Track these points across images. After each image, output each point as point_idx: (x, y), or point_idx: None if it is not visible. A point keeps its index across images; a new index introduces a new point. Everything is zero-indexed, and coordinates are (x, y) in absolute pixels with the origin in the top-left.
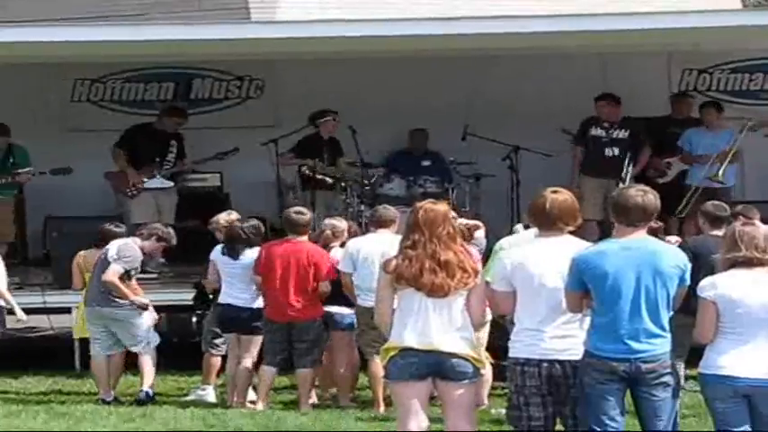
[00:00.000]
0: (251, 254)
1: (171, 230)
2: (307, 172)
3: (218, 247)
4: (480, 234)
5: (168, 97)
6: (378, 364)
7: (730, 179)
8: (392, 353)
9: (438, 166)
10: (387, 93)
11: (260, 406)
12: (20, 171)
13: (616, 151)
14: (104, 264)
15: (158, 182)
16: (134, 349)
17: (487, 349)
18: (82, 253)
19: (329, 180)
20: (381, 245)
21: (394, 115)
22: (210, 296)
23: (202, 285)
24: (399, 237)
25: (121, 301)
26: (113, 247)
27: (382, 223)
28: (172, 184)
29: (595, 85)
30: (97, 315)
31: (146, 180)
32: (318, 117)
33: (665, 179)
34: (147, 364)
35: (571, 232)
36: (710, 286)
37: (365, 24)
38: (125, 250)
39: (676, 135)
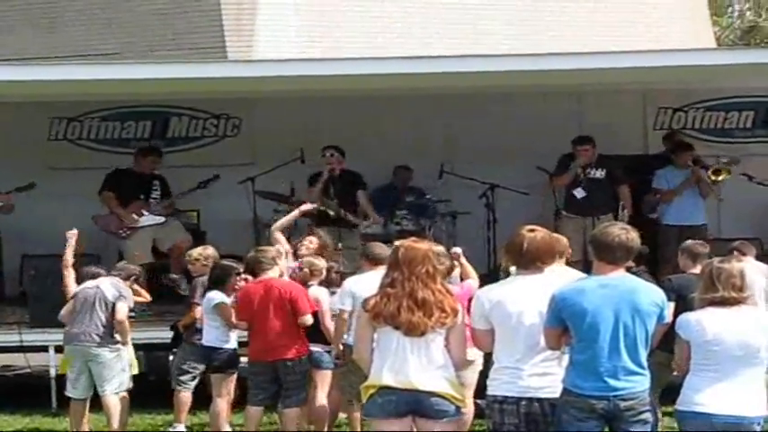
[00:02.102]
0: (211, 294)
1: (132, 266)
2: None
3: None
4: (456, 273)
5: (145, 136)
6: (356, 408)
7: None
8: (371, 391)
9: (420, 203)
10: (363, 130)
11: None
12: None
13: (593, 190)
14: (102, 304)
15: (150, 218)
16: (105, 390)
17: (478, 390)
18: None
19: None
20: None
21: (370, 152)
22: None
23: (176, 327)
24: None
25: (111, 345)
26: (108, 287)
27: (377, 261)
28: (163, 219)
29: (572, 122)
30: (82, 354)
31: (136, 218)
32: (321, 154)
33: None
34: (116, 407)
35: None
36: (685, 324)
37: (341, 63)
38: (123, 288)
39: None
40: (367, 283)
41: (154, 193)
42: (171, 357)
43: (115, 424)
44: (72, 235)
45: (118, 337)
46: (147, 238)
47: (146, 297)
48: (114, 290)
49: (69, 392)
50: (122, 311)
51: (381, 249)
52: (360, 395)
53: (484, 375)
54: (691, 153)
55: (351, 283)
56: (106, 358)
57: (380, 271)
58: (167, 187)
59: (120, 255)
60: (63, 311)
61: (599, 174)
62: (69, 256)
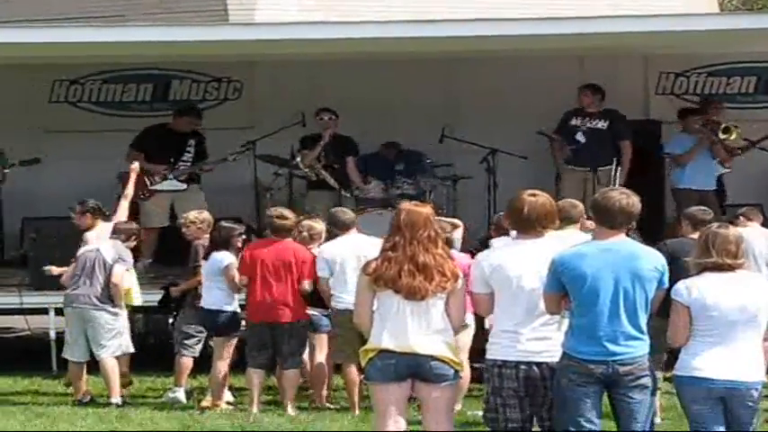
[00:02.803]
0: (218, 255)
1: (134, 224)
2: (305, 170)
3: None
4: (458, 234)
5: (146, 99)
6: (352, 369)
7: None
8: (370, 354)
9: (413, 167)
10: (365, 94)
11: (254, 409)
12: None
13: (593, 140)
14: (101, 266)
15: (169, 184)
16: (102, 353)
17: (472, 353)
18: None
19: (331, 181)
20: (354, 248)
21: (372, 116)
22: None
23: (168, 289)
24: (368, 237)
25: (110, 307)
26: (108, 249)
27: (344, 227)
28: (184, 186)
29: (573, 87)
30: (80, 317)
31: (158, 180)
32: (316, 115)
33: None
34: (113, 371)
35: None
36: (685, 290)
37: (343, 26)
38: (122, 250)
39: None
40: (339, 247)
41: (186, 155)
42: (170, 321)
43: (112, 388)
44: (133, 169)
45: (115, 300)
46: (165, 202)
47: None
48: (114, 252)
49: (67, 355)
50: (118, 274)
51: (345, 215)
52: (350, 357)
53: (483, 339)
54: (698, 117)
55: (324, 250)
56: (104, 321)
57: (351, 235)
58: (203, 146)
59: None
60: (64, 274)
61: (601, 124)
62: (130, 190)
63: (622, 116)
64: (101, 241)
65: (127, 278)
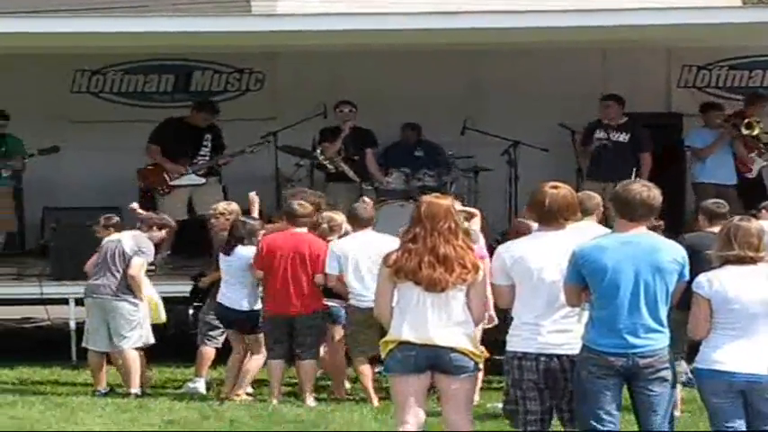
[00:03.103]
0: (245, 251)
1: (164, 215)
2: (324, 162)
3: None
4: (475, 224)
5: (168, 89)
6: (364, 363)
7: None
8: (391, 346)
9: (432, 158)
10: (386, 86)
11: (274, 401)
12: (9, 163)
13: (615, 154)
14: (121, 257)
15: (188, 179)
16: (123, 344)
17: (481, 344)
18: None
19: (351, 173)
20: (368, 246)
21: (394, 108)
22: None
23: (198, 279)
24: (382, 236)
25: (131, 297)
26: (128, 240)
27: (363, 222)
28: (203, 180)
29: (595, 80)
30: (101, 307)
31: (176, 176)
32: (335, 107)
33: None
34: (134, 362)
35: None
36: (706, 283)
37: (365, 18)
38: (142, 242)
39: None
40: (352, 245)
41: (204, 149)
42: (191, 311)
43: (132, 379)
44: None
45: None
46: (183, 196)
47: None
48: (134, 243)
49: (88, 344)
50: (135, 266)
51: (365, 212)
52: (362, 353)
53: (502, 331)
54: (720, 112)
55: (335, 247)
56: (125, 312)
57: (366, 232)
58: (220, 140)
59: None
60: (87, 263)
61: (622, 137)
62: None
63: (643, 127)
64: (122, 233)
65: (151, 290)
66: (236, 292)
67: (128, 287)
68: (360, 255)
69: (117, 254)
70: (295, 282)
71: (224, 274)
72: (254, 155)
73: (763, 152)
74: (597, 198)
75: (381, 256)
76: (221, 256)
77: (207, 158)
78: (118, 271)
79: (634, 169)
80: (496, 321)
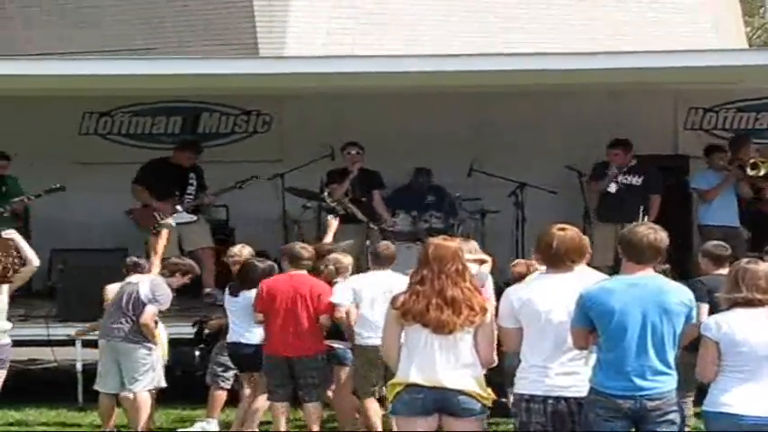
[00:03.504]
0: (250, 293)
1: (190, 261)
2: (332, 204)
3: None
4: (485, 269)
5: (176, 131)
6: (372, 402)
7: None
8: (398, 388)
9: (441, 202)
10: (393, 127)
11: None
12: (14, 200)
13: (627, 196)
14: (136, 303)
15: (183, 216)
16: (134, 387)
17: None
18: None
19: (359, 215)
20: (383, 285)
21: (401, 150)
22: (208, 332)
23: (202, 324)
24: (399, 275)
25: (144, 341)
26: (144, 286)
27: (383, 261)
28: (195, 218)
29: (602, 121)
30: (114, 350)
31: (167, 217)
32: (342, 149)
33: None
34: (145, 404)
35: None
36: (714, 325)
37: (371, 60)
38: (158, 289)
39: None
40: (369, 281)
41: (189, 188)
42: (197, 353)
43: (142, 422)
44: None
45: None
46: (173, 235)
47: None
48: (149, 291)
49: (99, 386)
50: (147, 315)
51: (387, 250)
52: (369, 393)
53: (505, 374)
54: (724, 154)
55: (352, 282)
56: (139, 355)
57: (383, 272)
58: (203, 179)
59: (146, 250)
60: (106, 303)
61: (635, 180)
62: (160, 248)
63: (656, 171)
64: (143, 276)
65: (161, 328)
66: (244, 330)
67: (139, 333)
68: (374, 292)
69: (132, 299)
70: (295, 323)
71: (230, 314)
72: (261, 194)
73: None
74: (587, 240)
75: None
76: (227, 296)
77: (193, 197)
78: (132, 316)
79: (641, 208)
80: (495, 363)
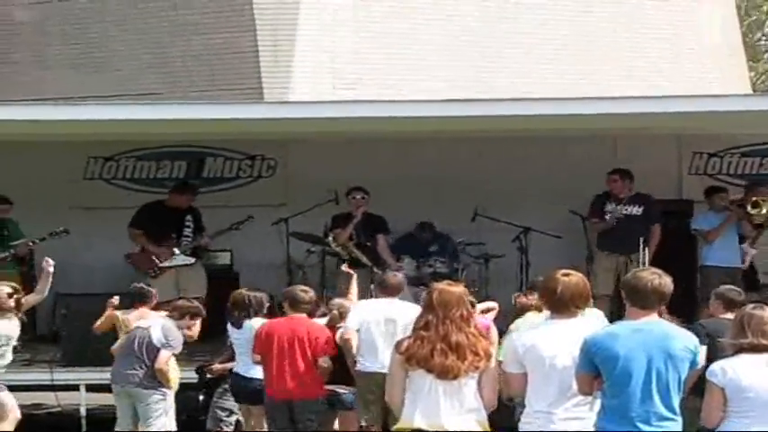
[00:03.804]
0: (254, 323)
1: (196, 303)
2: (337, 249)
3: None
4: (490, 316)
5: (180, 176)
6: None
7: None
8: None
9: (445, 248)
10: (398, 172)
11: None
12: (16, 243)
13: (627, 226)
14: (149, 348)
15: (180, 259)
16: (149, 429)
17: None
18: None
19: (363, 259)
20: (388, 311)
21: (404, 195)
22: (210, 377)
23: (204, 369)
24: (405, 303)
25: (158, 386)
26: (157, 330)
27: (390, 290)
28: (193, 260)
29: (606, 166)
30: (128, 395)
31: (166, 261)
32: (347, 194)
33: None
34: None
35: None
36: (720, 371)
37: (375, 105)
38: (170, 334)
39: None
40: (373, 308)
41: (186, 230)
42: (201, 397)
43: None
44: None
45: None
46: (172, 279)
47: (193, 333)
48: (161, 335)
49: (119, 427)
50: (162, 360)
51: (394, 277)
52: (373, 419)
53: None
54: (724, 194)
55: (360, 305)
56: (151, 401)
57: (390, 300)
58: (200, 222)
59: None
60: (115, 345)
61: (635, 210)
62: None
63: (655, 201)
64: (153, 320)
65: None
66: (248, 363)
67: (154, 377)
68: (378, 318)
69: (145, 344)
70: (292, 366)
71: (236, 347)
72: (268, 239)
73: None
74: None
75: (398, 325)
76: (231, 329)
77: (190, 239)
78: (145, 362)
79: (641, 239)
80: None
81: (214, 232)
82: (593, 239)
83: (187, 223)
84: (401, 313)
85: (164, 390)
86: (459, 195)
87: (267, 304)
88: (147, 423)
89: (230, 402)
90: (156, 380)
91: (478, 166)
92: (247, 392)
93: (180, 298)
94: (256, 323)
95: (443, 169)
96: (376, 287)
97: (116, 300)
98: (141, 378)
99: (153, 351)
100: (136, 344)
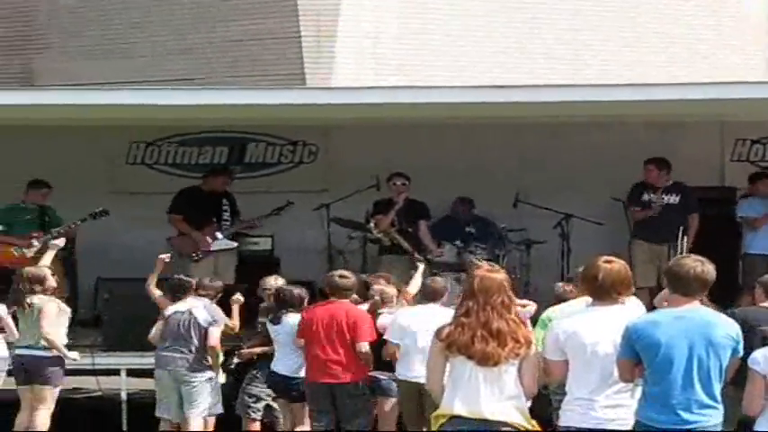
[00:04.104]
0: (291, 319)
1: (219, 283)
2: (378, 236)
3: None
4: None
5: (222, 161)
6: None
7: None
8: (442, 420)
9: (485, 233)
10: (439, 158)
11: None
12: (57, 228)
13: (666, 215)
14: (196, 329)
15: (223, 243)
16: (192, 413)
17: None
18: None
19: (405, 245)
20: (429, 321)
21: (446, 181)
22: (237, 362)
23: (232, 354)
24: (447, 310)
25: (204, 370)
26: (200, 311)
27: (428, 295)
28: (235, 244)
29: (648, 152)
30: (175, 379)
31: (209, 245)
32: (388, 180)
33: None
34: (199, 428)
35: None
36: (762, 359)
37: (418, 91)
38: (214, 311)
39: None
40: (415, 318)
41: (224, 214)
42: (222, 381)
43: None
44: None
45: (209, 361)
46: (210, 264)
47: (235, 324)
48: (207, 314)
49: (160, 414)
50: (214, 337)
51: (435, 283)
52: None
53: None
54: None
55: (399, 317)
56: (198, 383)
57: (431, 307)
58: (236, 206)
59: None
60: (153, 333)
61: (673, 199)
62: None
63: (692, 190)
64: (191, 302)
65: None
66: (288, 360)
67: (203, 359)
68: (422, 329)
69: (192, 326)
70: (332, 351)
71: (276, 343)
72: (308, 226)
73: None
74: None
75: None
76: (270, 326)
77: (230, 223)
78: (193, 343)
79: (681, 229)
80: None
81: (254, 217)
82: (633, 225)
83: (224, 207)
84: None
85: (211, 372)
86: (500, 181)
87: (306, 298)
88: (193, 405)
89: (258, 389)
90: (203, 362)
91: (520, 152)
92: (285, 390)
93: None
94: (295, 319)
95: (485, 155)
96: (421, 293)
97: (166, 257)
98: (191, 361)
99: (201, 331)
100: (181, 328)
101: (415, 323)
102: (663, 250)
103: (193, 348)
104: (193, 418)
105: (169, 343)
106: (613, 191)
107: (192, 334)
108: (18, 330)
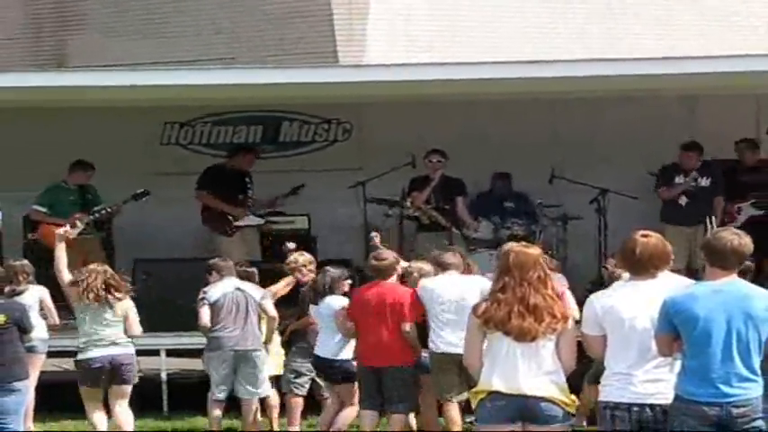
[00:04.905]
0: (332, 301)
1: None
2: (415, 213)
3: None
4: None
5: (257, 140)
6: (453, 408)
7: None
8: (481, 396)
9: (522, 208)
10: (474, 135)
11: None
12: (99, 207)
13: (698, 198)
14: (252, 306)
15: (254, 219)
16: (257, 392)
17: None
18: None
19: (442, 221)
20: (455, 288)
21: (481, 157)
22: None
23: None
24: (469, 277)
25: (262, 348)
26: (252, 289)
27: (444, 267)
28: (263, 221)
29: (683, 126)
30: (236, 358)
31: (241, 220)
32: (425, 157)
33: (734, 224)
34: (274, 400)
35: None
36: None
37: (451, 68)
38: (259, 288)
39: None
40: (440, 286)
41: (249, 192)
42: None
43: (275, 418)
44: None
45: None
46: (240, 240)
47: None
48: (258, 291)
49: (215, 395)
50: (271, 310)
51: (447, 255)
52: (451, 396)
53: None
54: None
55: (423, 289)
56: (258, 361)
57: (450, 274)
58: (253, 185)
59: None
60: (205, 318)
61: (704, 182)
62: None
63: (720, 171)
64: (233, 282)
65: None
66: (329, 341)
67: (257, 336)
68: (449, 297)
69: (249, 304)
70: (380, 333)
71: (318, 326)
72: (342, 204)
73: None
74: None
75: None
76: (311, 306)
77: (253, 200)
78: (252, 321)
79: (713, 217)
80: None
81: (276, 196)
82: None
83: (248, 185)
84: (470, 289)
85: (262, 351)
86: (535, 157)
87: (346, 283)
88: (255, 385)
89: (298, 363)
90: (259, 340)
91: (555, 128)
92: (331, 373)
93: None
94: (334, 301)
95: (520, 131)
96: (435, 264)
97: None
98: (249, 339)
99: (256, 308)
100: (240, 307)
101: (441, 293)
102: (694, 232)
103: (253, 326)
104: (250, 399)
105: (229, 324)
106: (648, 165)
107: (251, 312)
108: (86, 324)
